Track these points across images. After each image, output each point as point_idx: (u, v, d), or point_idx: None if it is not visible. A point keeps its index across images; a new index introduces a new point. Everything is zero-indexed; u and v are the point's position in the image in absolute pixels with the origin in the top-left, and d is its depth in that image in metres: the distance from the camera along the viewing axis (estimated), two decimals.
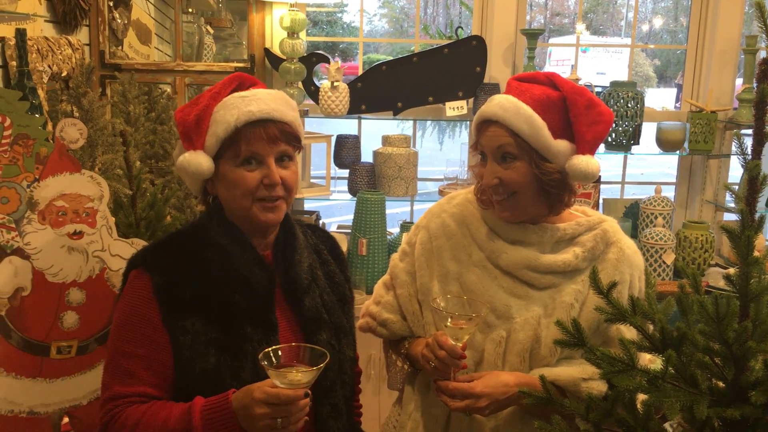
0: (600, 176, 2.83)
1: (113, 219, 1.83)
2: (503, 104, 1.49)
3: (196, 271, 1.42)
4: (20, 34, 2.07)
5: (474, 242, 1.58)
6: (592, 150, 1.51)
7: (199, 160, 1.41)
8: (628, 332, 1.46)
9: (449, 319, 1.42)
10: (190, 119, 1.43)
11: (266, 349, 1.29)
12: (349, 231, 3.12)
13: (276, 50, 3.18)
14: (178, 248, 1.46)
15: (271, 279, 1.46)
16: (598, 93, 3.39)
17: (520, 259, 1.53)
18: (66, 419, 1.82)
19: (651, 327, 1.14)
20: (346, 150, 3.28)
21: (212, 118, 1.42)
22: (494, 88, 3.16)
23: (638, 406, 1.14)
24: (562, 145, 1.49)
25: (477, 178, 1.60)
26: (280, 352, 1.29)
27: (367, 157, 3.35)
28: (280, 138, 1.42)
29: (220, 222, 1.47)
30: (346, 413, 1.53)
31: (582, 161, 1.49)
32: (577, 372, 1.46)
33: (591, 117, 1.49)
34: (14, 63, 2.10)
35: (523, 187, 1.50)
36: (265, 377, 1.30)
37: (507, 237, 1.56)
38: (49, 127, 2.14)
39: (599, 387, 1.44)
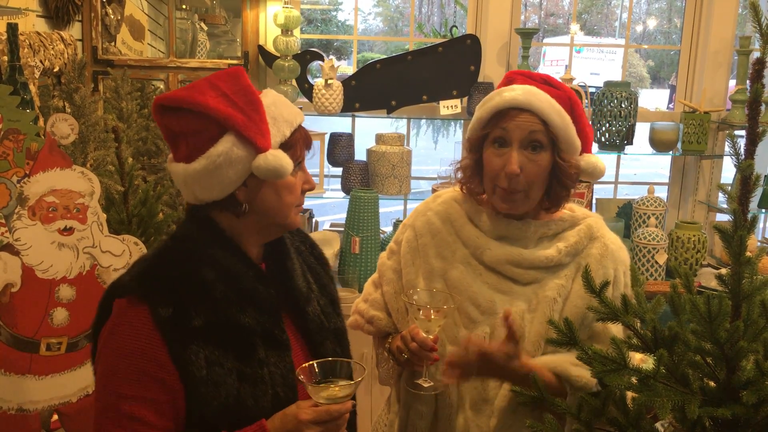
0: None
1: (104, 215, 1.82)
2: (534, 93, 1.48)
3: (200, 295, 1.26)
4: (12, 28, 2.05)
5: (458, 239, 1.59)
6: (591, 149, 1.58)
7: (287, 161, 1.28)
8: (614, 327, 1.47)
9: (419, 311, 1.44)
10: (247, 113, 1.27)
11: (302, 366, 1.26)
12: (342, 229, 3.11)
13: (270, 47, 3.17)
14: (173, 271, 1.28)
15: (276, 294, 1.35)
16: (591, 93, 3.40)
17: (503, 255, 1.53)
18: (55, 416, 1.81)
19: (638, 323, 1.14)
20: (339, 148, 3.27)
21: (267, 114, 1.30)
22: (488, 87, 3.16)
23: (629, 402, 1.14)
24: (579, 141, 1.52)
25: (464, 171, 1.60)
26: (313, 368, 1.27)
27: (360, 155, 3.35)
28: (311, 142, 1.42)
29: (212, 233, 1.33)
30: (352, 422, 1.50)
31: (595, 158, 1.55)
32: (566, 357, 1.47)
33: (586, 119, 1.55)
34: (5, 58, 2.08)
35: (540, 180, 1.51)
36: (285, 401, 1.28)
37: (491, 233, 1.56)
38: (41, 122, 2.13)
39: (588, 377, 1.43)
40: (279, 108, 1.32)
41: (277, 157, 1.27)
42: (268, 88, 1.42)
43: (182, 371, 1.21)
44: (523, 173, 1.48)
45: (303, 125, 1.38)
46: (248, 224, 1.34)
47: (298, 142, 1.34)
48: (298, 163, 1.35)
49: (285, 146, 1.31)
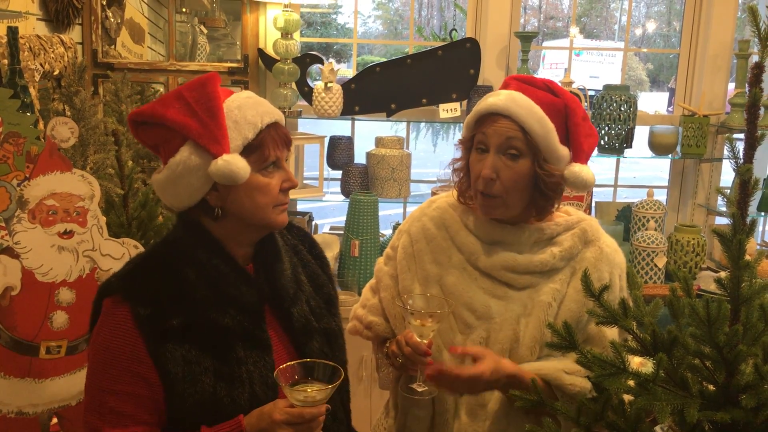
0: None
1: (104, 218, 1.82)
2: (516, 100, 1.47)
3: (181, 296, 1.31)
4: (12, 31, 2.05)
5: (453, 245, 1.59)
6: (586, 161, 1.55)
7: (241, 165, 1.29)
8: (609, 330, 1.47)
9: (413, 316, 1.46)
10: (202, 120, 1.30)
11: (279, 367, 1.27)
12: (342, 232, 3.11)
13: (270, 51, 3.18)
14: (156, 272, 1.34)
15: (260, 295, 1.39)
16: (591, 96, 3.40)
17: (498, 260, 1.53)
18: (55, 420, 1.81)
19: (634, 324, 1.14)
20: (339, 151, 3.28)
21: (229, 119, 1.31)
22: (488, 90, 3.16)
23: (626, 404, 1.14)
24: (565, 150, 1.50)
25: (457, 174, 1.60)
26: (293, 369, 1.28)
27: (360, 158, 3.35)
28: (289, 140, 1.41)
29: (198, 236, 1.36)
30: (345, 419, 1.53)
31: (583, 170, 1.52)
32: (559, 365, 1.47)
33: (586, 129, 1.53)
34: (5, 61, 2.08)
35: (517, 187, 1.49)
36: (264, 399, 1.31)
37: (486, 238, 1.56)
38: (41, 125, 2.13)
39: (582, 383, 1.43)
40: (243, 111, 1.32)
41: (228, 163, 1.28)
42: (242, 90, 1.41)
43: (160, 368, 1.27)
44: (500, 179, 1.47)
45: (278, 124, 1.37)
46: (229, 226, 1.37)
47: (265, 143, 1.34)
48: (272, 162, 1.35)
49: (249, 149, 1.32)
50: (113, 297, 1.31)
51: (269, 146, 1.34)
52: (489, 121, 1.49)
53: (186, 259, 1.35)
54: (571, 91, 3.18)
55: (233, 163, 1.28)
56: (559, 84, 3.26)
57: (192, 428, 1.29)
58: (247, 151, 1.32)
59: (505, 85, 1.56)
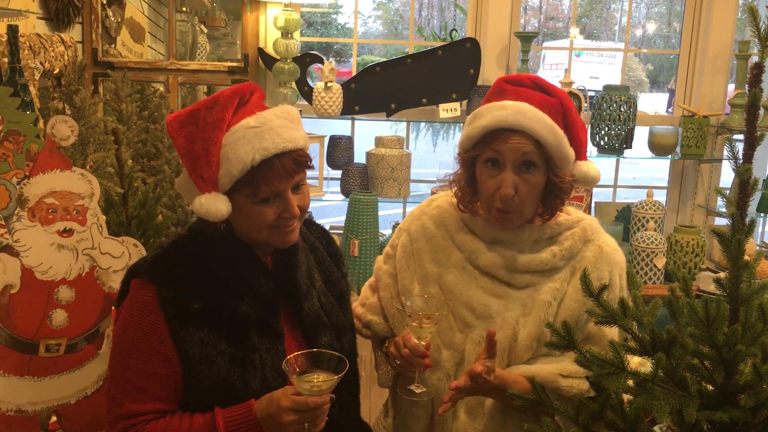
0: None
1: (104, 217, 1.82)
2: (524, 112, 1.44)
3: (202, 282, 1.39)
4: (12, 30, 2.05)
5: (453, 244, 1.59)
6: (586, 155, 1.55)
7: (218, 206, 1.34)
8: (609, 329, 1.47)
9: (410, 318, 1.46)
10: (196, 152, 1.34)
11: (288, 357, 1.32)
12: (342, 232, 3.12)
13: (270, 50, 3.18)
14: (181, 259, 1.41)
15: (275, 287, 1.45)
16: (591, 97, 3.41)
17: (498, 260, 1.53)
18: (54, 418, 1.81)
19: (634, 325, 1.14)
20: (339, 151, 3.28)
21: (222, 154, 1.33)
22: (487, 91, 3.16)
23: (625, 403, 1.14)
24: (572, 151, 1.50)
25: (457, 184, 1.59)
26: (302, 359, 1.33)
27: (360, 158, 3.35)
28: (296, 169, 1.38)
29: (222, 228, 1.44)
30: (353, 409, 1.59)
31: (590, 167, 1.53)
32: (555, 369, 1.47)
33: (580, 122, 1.53)
34: (6, 59, 2.08)
35: (533, 197, 1.49)
36: (274, 384, 1.36)
37: (486, 238, 1.56)
38: (41, 124, 2.13)
39: (580, 385, 1.43)
40: (238, 146, 1.32)
41: (202, 205, 1.33)
42: (254, 116, 1.36)
43: (179, 349, 1.34)
44: (517, 193, 1.47)
45: (283, 155, 1.35)
46: (239, 231, 1.44)
47: (256, 181, 1.34)
48: (269, 197, 1.36)
49: (239, 184, 1.34)
50: (140, 279, 1.39)
51: (261, 183, 1.34)
52: (500, 138, 1.46)
53: (209, 249, 1.42)
54: (570, 92, 3.19)
55: (206, 206, 1.33)
56: (559, 84, 3.26)
57: (206, 411, 1.35)
58: (237, 186, 1.35)
59: (500, 90, 1.52)
